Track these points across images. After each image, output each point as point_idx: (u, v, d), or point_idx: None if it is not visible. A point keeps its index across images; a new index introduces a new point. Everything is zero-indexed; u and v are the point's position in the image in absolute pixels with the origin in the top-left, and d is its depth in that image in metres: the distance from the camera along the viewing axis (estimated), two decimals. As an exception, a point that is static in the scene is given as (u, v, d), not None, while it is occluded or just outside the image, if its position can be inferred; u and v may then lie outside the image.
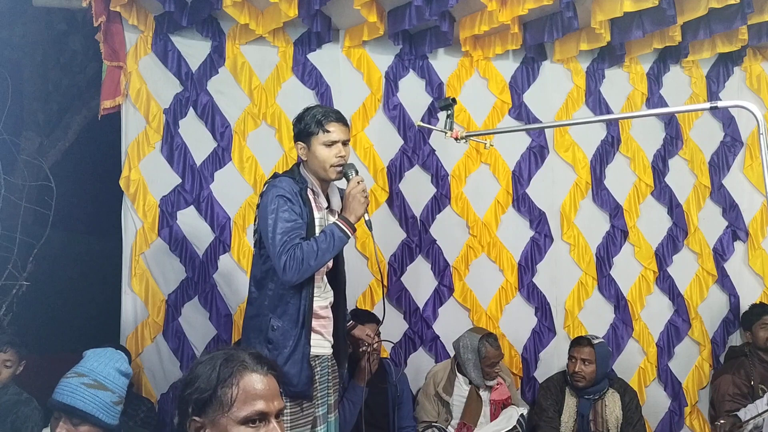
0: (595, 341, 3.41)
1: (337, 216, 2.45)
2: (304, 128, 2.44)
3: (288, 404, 2.31)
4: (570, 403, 3.43)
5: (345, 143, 2.44)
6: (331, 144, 2.40)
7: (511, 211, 3.87)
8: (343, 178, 2.47)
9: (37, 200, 3.82)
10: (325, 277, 2.51)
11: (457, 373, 3.40)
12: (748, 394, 3.56)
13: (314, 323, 2.41)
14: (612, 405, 3.39)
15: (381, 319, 2.78)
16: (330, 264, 2.51)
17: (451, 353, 3.55)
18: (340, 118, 2.46)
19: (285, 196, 2.32)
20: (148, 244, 3.42)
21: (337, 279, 2.58)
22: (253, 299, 2.43)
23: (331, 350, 2.53)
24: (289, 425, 2.32)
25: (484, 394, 3.39)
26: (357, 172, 2.44)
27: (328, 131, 2.40)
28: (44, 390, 2.92)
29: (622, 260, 3.92)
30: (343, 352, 2.63)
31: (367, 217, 2.38)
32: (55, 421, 1.90)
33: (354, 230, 2.36)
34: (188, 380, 1.44)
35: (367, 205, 2.37)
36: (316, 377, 2.43)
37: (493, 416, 3.36)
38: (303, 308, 2.34)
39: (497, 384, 3.42)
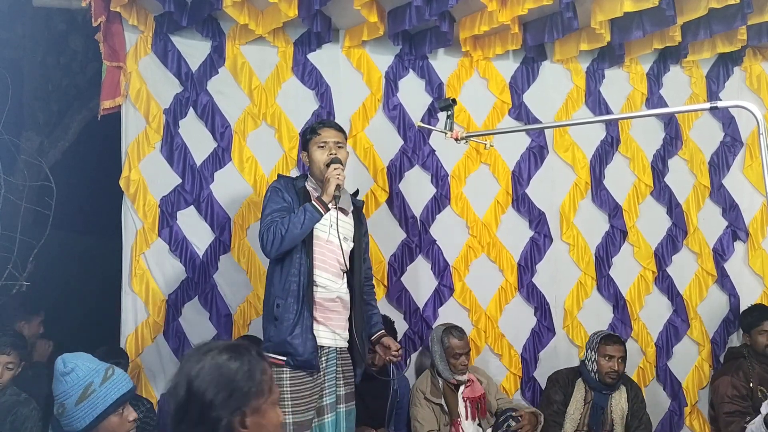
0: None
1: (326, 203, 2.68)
2: (303, 137, 2.81)
3: (296, 372, 2.51)
4: (579, 397, 3.38)
5: (338, 145, 2.72)
6: (323, 144, 2.71)
7: (511, 211, 3.87)
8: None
9: (37, 200, 3.82)
10: (342, 274, 2.69)
11: (436, 375, 3.39)
12: (747, 396, 3.55)
13: (318, 315, 2.58)
14: (618, 398, 3.39)
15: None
16: (347, 262, 2.69)
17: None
18: (332, 124, 2.82)
19: (277, 188, 2.69)
20: (148, 244, 3.42)
21: (351, 279, 2.74)
22: (268, 285, 2.68)
23: (342, 344, 2.69)
24: (291, 389, 2.50)
25: (458, 391, 3.36)
26: (340, 163, 2.65)
27: (319, 134, 2.73)
28: (44, 390, 2.92)
29: (621, 260, 3.92)
30: (359, 350, 2.71)
31: (337, 193, 2.58)
32: (117, 416, 2.04)
33: (327, 209, 2.58)
34: (225, 383, 1.53)
35: (338, 184, 2.57)
36: (322, 366, 2.58)
37: (471, 414, 3.33)
38: (302, 284, 2.56)
39: (469, 381, 3.39)
